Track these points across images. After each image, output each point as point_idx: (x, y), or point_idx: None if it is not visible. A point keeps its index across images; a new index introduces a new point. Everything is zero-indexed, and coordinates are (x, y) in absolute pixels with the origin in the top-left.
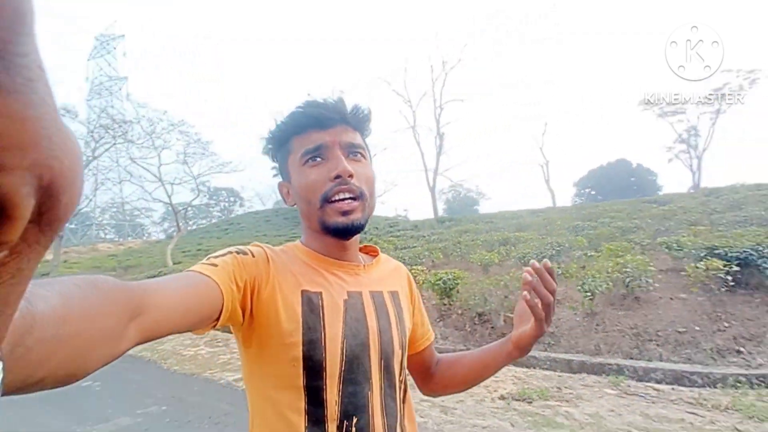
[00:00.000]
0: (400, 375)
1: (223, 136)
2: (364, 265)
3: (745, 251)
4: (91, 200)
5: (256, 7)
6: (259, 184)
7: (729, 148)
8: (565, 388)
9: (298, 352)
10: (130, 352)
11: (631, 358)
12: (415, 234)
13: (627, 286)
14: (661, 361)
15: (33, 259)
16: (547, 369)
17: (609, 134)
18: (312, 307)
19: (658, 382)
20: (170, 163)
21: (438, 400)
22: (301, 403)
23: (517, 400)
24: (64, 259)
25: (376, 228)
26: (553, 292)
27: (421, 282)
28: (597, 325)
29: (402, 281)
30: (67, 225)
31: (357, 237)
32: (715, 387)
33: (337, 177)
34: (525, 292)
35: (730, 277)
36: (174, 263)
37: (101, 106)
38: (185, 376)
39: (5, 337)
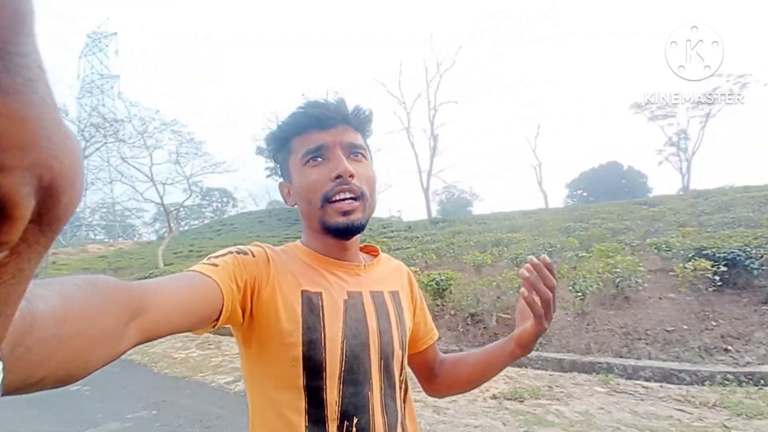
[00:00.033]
0: (400, 375)
1: (218, 136)
2: (364, 265)
3: (732, 252)
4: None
5: (252, 7)
6: (252, 184)
7: (718, 151)
8: (556, 386)
9: (298, 352)
10: None
11: (621, 357)
12: (409, 235)
13: (617, 286)
14: (649, 359)
15: (33, 259)
16: (538, 368)
17: (601, 137)
18: (312, 307)
19: (647, 379)
20: (162, 163)
21: (431, 400)
22: (302, 403)
23: (509, 399)
24: (52, 260)
25: (370, 229)
26: (552, 289)
27: None
28: (588, 324)
29: (403, 281)
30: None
31: (357, 237)
32: (703, 384)
33: (338, 177)
34: (523, 289)
35: (717, 277)
36: (165, 264)
37: (92, 105)
38: (176, 379)
39: (5, 337)
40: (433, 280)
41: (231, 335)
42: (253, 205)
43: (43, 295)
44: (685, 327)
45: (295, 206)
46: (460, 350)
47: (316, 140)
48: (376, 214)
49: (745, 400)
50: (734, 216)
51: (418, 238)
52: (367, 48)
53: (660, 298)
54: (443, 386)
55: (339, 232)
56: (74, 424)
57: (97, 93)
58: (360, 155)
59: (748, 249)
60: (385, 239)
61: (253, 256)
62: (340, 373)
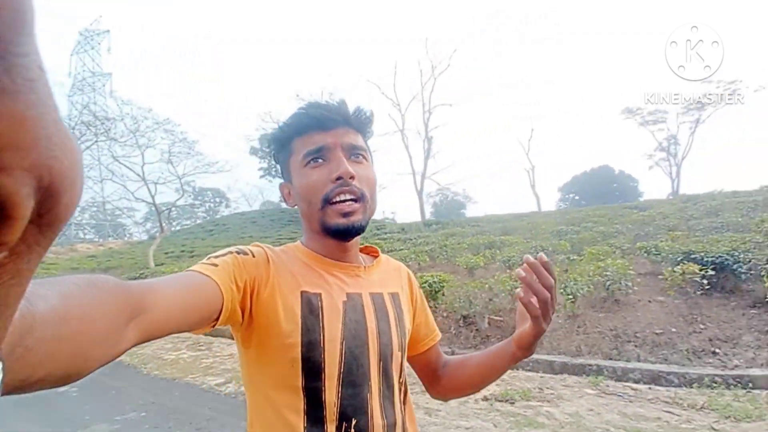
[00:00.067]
0: (399, 377)
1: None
2: (364, 267)
3: (720, 256)
4: None
5: (249, 7)
6: (245, 185)
7: (708, 156)
8: (547, 388)
9: (297, 353)
10: None
11: (611, 359)
12: (402, 237)
13: (607, 289)
14: (638, 361)
15: (33, 260)
16: (529, 370)
17: (593, 141)
18: (311, 308)
19: (636, 381)
20: (154, 162)
21: (422, 401)
22: (300, 404)
23: (500, 401)
24: None
25: None
26: (550, 289)
27: None
28: (578, 327)
29: (403, 282)
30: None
31: (357, 238)
32: (691, 387)
33: (339, 178)
34: (519, 290)
35: (705, 281)
36: (156, 264)
37: (83, 103)
38: (166, 380)
39: (5, 337)
40: (426, 283)
41: (223, 336)
42: (246, 206)
43: (43, 295)
44: (674, 330)
45: (296, 207)
46: (452, 352)
47: (316, 141)
48: None
49: (733, 403)
50: (723, 221)
51: (411, 240)
52: (362, 49)
53: (649, 301)
54: (447, 389)
55: (339, 233)
56: (62, 426)
57: (88, 91)
58: (361, 157)
59: (736, 253)
60: (378, 241)
61: (253, 256)
62: (339, 375)
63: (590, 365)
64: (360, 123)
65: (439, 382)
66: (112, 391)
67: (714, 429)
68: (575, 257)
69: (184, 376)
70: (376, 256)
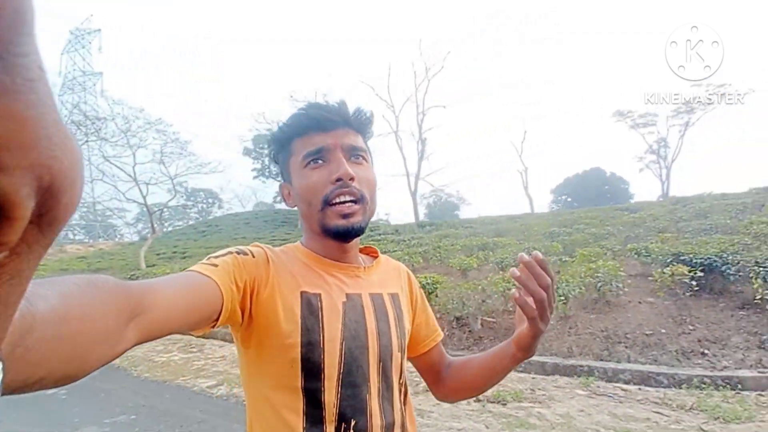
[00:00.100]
0: (399, 377)
1: (204, 136)
2: (364, 267)
3: (709, 258)
4: None
5: (246, 7)
6: (238, 185)
7: (697, 159)
8: (539, 389)
9: (297, 353)
10: None
11: (602, 360)
12: (396, 238)
13: (599, 290)
14: (629, 362)
15: (33, 260)
16: (521, 371)
17: (585, 143)
18: (311, 308)
19: (626, 382)
20: (146, 163)
21: (414, 402)
22: (300, 404)
23: (492, 402)
24: None
25: None
26: (546, 288)
27: None
28: (570, 328)
29: (402, 282)
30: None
31: (357, 239)
32: (680, 387)
33: (338, 180)
34: (514, 290)
35: (694, 283)
36: (148, 266)
37: (73, 102)
38: (156, 383)
39: (5, 337)
40: (419, 284)
41: (215, 338)
42: (239, 207)
43: (43, 295)
44: (663, 331)
45: (295, 207)
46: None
47: (316, 142)
48: None
49: (722, 404)
50: (711, 223)
51: (405, 241)
52: (355, 51)
53: (639, 303)
54: (451, 390)
55: (339, 234)
56: (51, 429)
57: (79, 90)
58: (361, 158)
59: (725, 255)
60: (372, 242)
61: (253, 256)
62: (339, 375)
63: (581, 366)
64: (360, 124)
65: (443, 383)
66: (101, 394)
67: (703, 430)
68: (567, 259)
69: (175, 378)
70: (375, 257)
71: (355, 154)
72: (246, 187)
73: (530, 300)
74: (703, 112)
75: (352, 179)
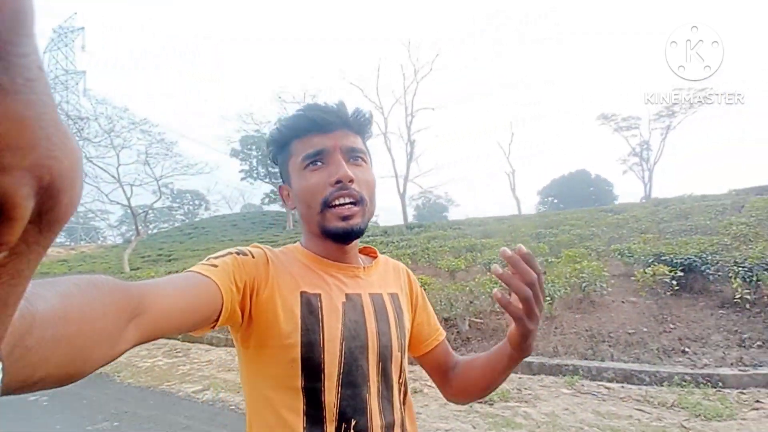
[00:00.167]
0: (399, 377)
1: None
2: (363, 268)
3: (689, 258)
4: None
5: (232, 8)
6: (226, 187)
7: (678, 161)
8: (525, 389)
9: (297, 353)
10: None
11: (586, 359)
12: (385, 240)
13: (583, 290)
14: (612, 360)
15: (33, 260)
16: None
17: (571, 145)
18: (311, 308)
19: (610, 380)
20: (130, 164)
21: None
22: (300, 404)
23: (479, 402)
24: None
25: None
26: (531, 284)
27: None
28: (555, 327)
29: (402, 282)
30: None
31: (357, 240)
32: (662, 385)
33: (338, 182)
34: (496, 290)
35: (675, 282)
36: (132, 269)
37: (56, 101)
38: (140, 389)
39: (4, 337)
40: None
41: (200, 342)
42: (226, 208)
43: (43, 295)
44: (645, 329)
45: (295, 209)
46: None
47: (315, 144)
48: None
49: (703, 402)
50: (692, 224)
51: (393, 243)
52: (343, 51)
53: (623, 302)
54: (458, 391)
55: (338, 236)
56: None
57: (61, 89)
58: (360, 159)
59: (704, 255)
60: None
61: (253, 257)
62: (339, 375)
63: (566, 365)
64: (359, 125)
65: (450, 383)
66: (83, 401)
67: (684, 427)
68: (553, 259)
69: (159, 383)
70: (374, 257)
71: (355, 156)
72: (233, 188)
73: (514, 298)
74: (684, 116)
75: (351, 181)
